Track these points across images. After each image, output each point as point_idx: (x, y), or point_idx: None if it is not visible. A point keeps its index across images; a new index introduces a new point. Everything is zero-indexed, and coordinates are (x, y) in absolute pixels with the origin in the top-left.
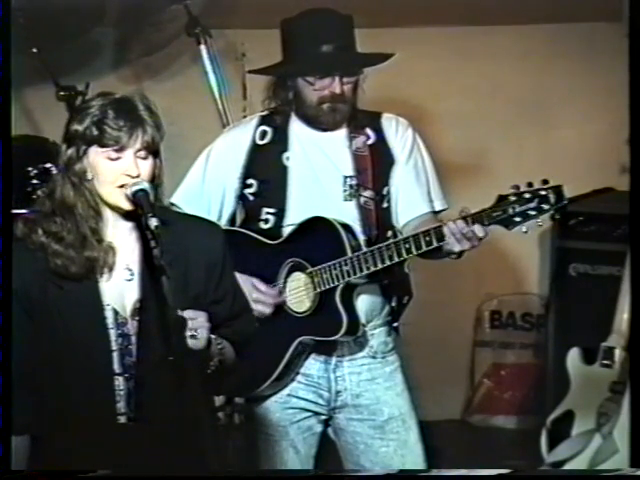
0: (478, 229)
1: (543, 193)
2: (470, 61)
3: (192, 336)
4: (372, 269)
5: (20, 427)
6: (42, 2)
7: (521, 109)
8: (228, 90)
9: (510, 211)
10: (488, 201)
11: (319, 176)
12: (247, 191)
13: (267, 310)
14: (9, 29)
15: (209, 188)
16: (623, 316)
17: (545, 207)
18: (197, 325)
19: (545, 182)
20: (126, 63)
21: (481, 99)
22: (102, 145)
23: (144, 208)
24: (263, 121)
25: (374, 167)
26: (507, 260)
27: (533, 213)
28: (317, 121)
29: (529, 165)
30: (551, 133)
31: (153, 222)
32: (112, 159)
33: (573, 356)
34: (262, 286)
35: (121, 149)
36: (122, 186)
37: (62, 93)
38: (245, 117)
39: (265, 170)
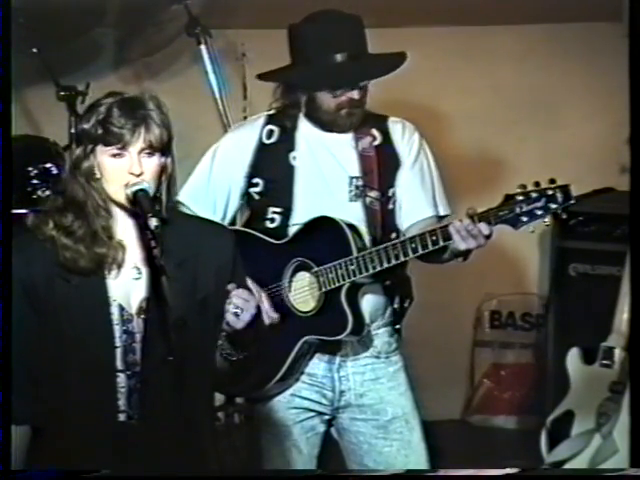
0: (483, 227)
1: (550, 192)
2: (470, 61)
3: (235, 313)
4: (378, 268)
5: (20, 418)
6: (42, 2)
7: (521, 109)
8: (228, 90)
9: (517, 210)
10: (487, 200)
11: (325, 176)
12: (253, 190)
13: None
14: (9, 29)
15: (215, 186)
16: (623, 316)
17: (552, 206)
18: (245, 306)
19: (552, 181)
20: (126, 63)
21: (481, 99)
22: (106, 144)
23: (144, 208)
24: (270, 120)
25: (380, 168)
26: (507, 260)
27: (540, 212)
28: (332, 125)
29: (529, 165)
30: (551, 133)
31: (153, 222)
32: (115, 157)
33: (573, 356)
34: (266, 303)
35: (124, 147)
36: (127, 184)
37: (62, 93)
38: (245, 117)
39: (271, 169)
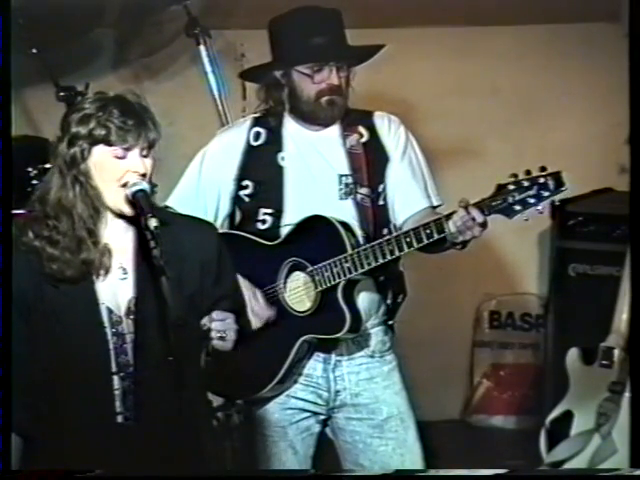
0: (477, 214)
1: (542, 180)
2: (469, 61)
3: (220, 337)
4: (373, 265)
5: (16, 428)
6: (42, 2)
7: (520, 109)
8: (227, 90)
9: (510, 200)
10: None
11: (315, 175)
12: (242, 193)
13: (258, 324)
14: (9, 29)
15: (204, 190)
16: (622, 316)
17: (545, 194)
18: (226, 327)
19: (543, 169)
20: (126, 63)
21: (480, 99)
22: (109, 144)
23: (144, 208)
24: (256, 122)
25: (369, 165)
26: (506, 260)
27: (533, 201)
28: (314, 117)
29: (528, 165)
30: (550, 133)
31: (153, 222)
32: (119, 157)
33: (572, 356)
34: (262, 300)
35: (128, 148)
36: (125, 185)
37: (62, 93)
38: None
39: (260, 171)
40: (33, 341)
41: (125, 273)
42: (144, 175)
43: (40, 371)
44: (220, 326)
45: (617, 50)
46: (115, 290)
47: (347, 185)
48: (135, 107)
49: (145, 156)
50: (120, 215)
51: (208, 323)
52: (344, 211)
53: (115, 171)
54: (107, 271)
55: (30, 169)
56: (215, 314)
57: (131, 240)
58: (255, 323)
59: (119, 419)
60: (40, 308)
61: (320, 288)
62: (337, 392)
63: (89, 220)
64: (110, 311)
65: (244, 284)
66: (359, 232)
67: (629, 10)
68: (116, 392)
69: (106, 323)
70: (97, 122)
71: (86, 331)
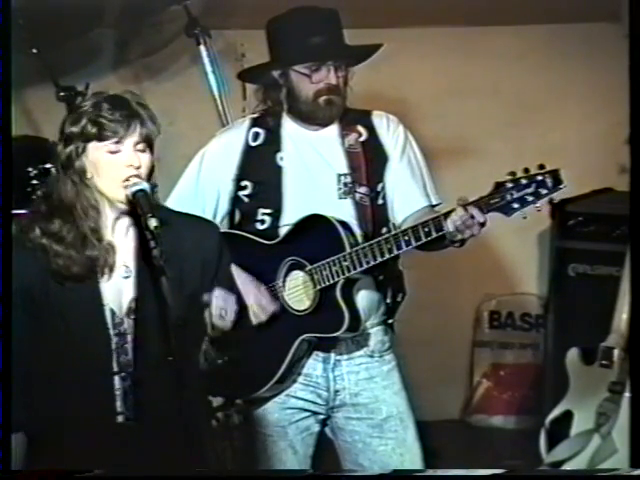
0: (477, 214)
1: (540, 178)
2: (469, 61)
3: (220, 316)
4: (372, 263)
5: (17, 425)
6: (42, 2)
7: (520, 109)
8: (228, 90)
9: (508, 197)
10: None
11: (313, 175)
12: (241, 193)
13: (263, 317)
14: (9, 29)
15: (203, 191)
16: (622, 316)
17: (543, 192)
18: (227, 306)
19: (541, 167)
20: (126, 64)
21: (480, 99)
22: (101, 139)
23: (143, 208)
24: (255, 123)
25: (367, 164)
26: (506, 260)
27: (531, 199)
28: (313, 117)
29: (528, 165)
30: (550, 133)
31: (153, 222)
32: (112, 152)
33: (572, 356)
34: (266, 294)
35: (120, 141)
36: (125, 181)
37: (62, 93)
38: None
39: (259, 171)
40: (37, 339)
41: (129, 272)
42: (139, 168)
43: (41, 370)
44: (221, 303)
45: (617, 50)
46: (119, 289)
47: (346, 184)
48: (128, 102)
49: (141, 151)
50: (123, 213)
51: (208, 298)
52: (343, 210)
53: (111, 167)
54: (111, 269)
55: (30, 169)
56: (217, 292)
57: (133, 239)
58: (261, 316)
59: (120, 419)
60: (45, 306)
61: (319, 287)
62: (336, 392)
63: (90, 218)
64: (113, 312)
65: (249, 279)
66: (358, 231)
67: (629, 10)
68: (117, 392)
69: (109, 324)
70: (88, 119)
71: (89, 331)
